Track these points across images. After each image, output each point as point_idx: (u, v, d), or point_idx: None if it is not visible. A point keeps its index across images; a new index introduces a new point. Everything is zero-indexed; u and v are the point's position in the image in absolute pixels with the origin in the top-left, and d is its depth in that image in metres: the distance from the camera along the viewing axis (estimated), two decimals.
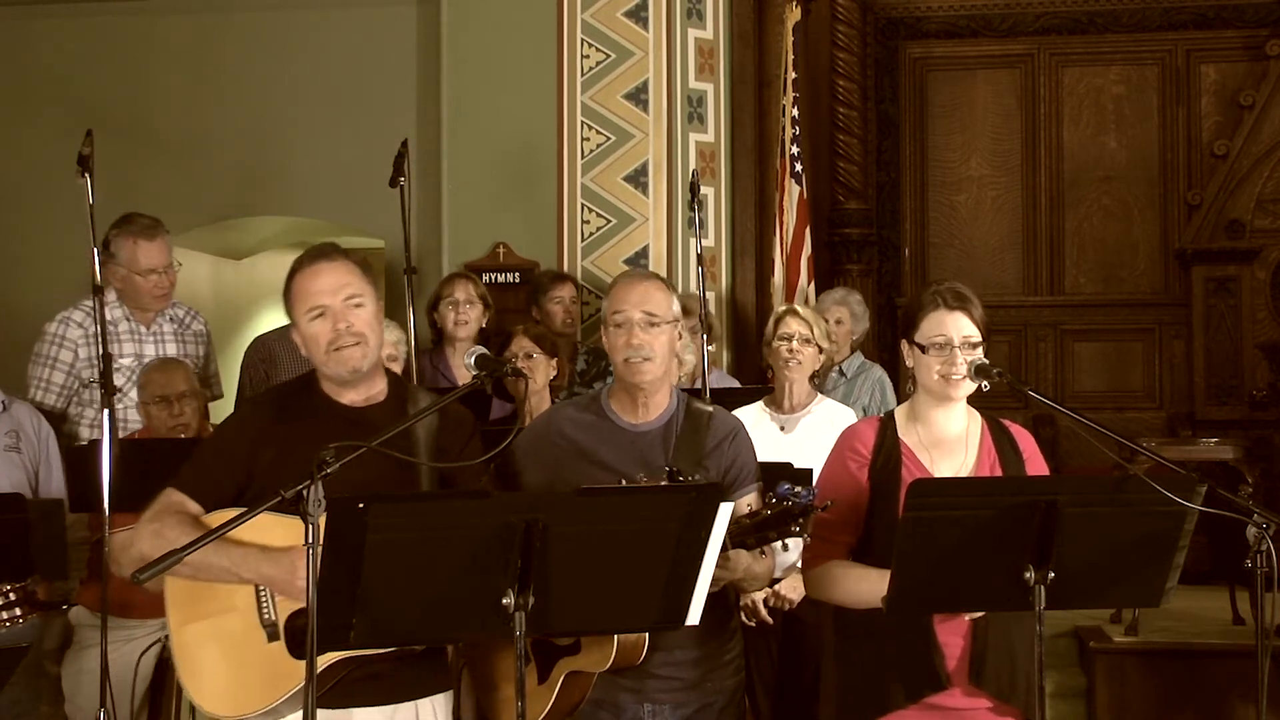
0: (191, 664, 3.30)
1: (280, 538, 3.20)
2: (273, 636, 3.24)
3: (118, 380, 5.38)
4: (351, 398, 3.43)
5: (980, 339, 3.54)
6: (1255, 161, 9.39)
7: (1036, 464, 3.64)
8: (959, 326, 3.53)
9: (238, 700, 3.24)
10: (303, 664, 3.15)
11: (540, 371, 5.37)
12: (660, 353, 3.67)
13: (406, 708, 3.38)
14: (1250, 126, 9.40)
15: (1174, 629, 6.70)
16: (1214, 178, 9.46)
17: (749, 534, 3.35)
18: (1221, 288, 9.38)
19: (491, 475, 3.78)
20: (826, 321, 5.72)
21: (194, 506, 3.32)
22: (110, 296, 5.54)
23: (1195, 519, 3.13)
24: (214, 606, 3.28)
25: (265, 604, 3.27)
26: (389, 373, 3.53)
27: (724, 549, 3.30)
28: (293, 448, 3.27)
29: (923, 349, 3.55)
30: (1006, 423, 3.70)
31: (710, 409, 3.81)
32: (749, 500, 3.65)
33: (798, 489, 3.31)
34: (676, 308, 3.76)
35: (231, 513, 3.12)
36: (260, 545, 3.21)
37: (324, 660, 3.17)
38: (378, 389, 3.46)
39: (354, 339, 3.35)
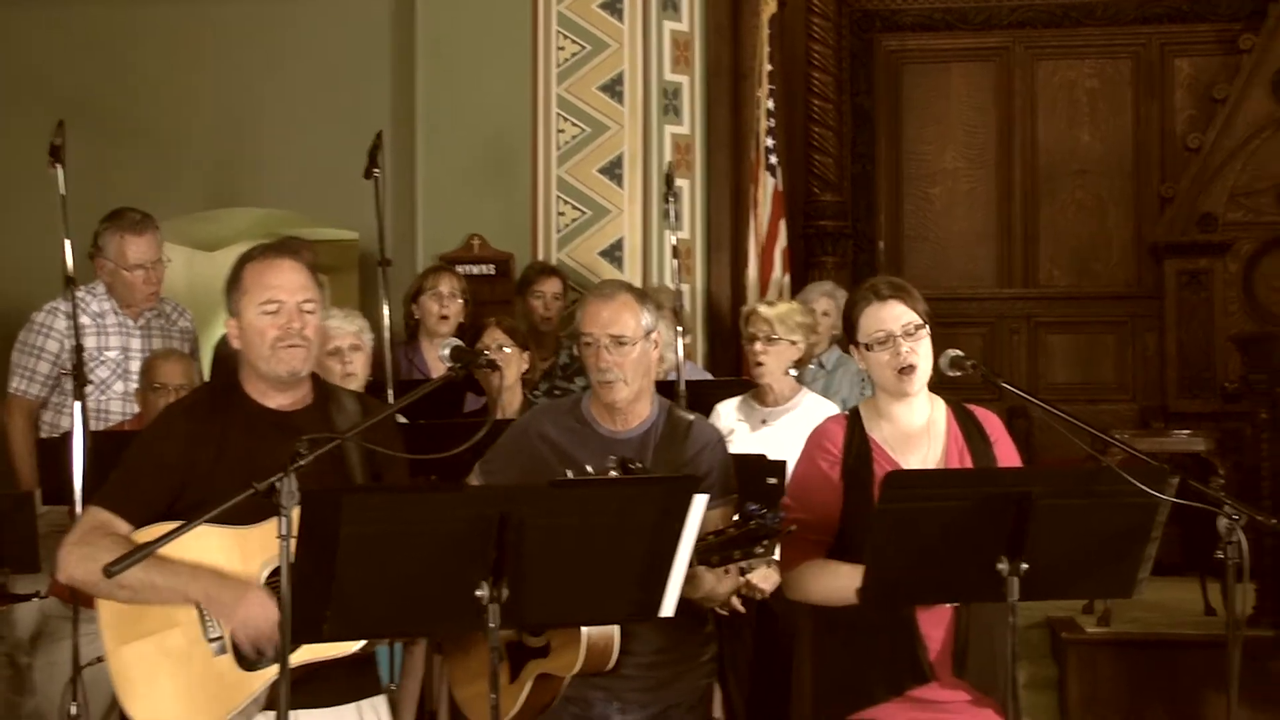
0: (133, 685, 3.19)
1: (218, 549, 3.16)
2: (221, 650, 3.17)
3: (102, 373, 5.42)
4: (279, 401, 3.35)
5: (921, 323, 3.54)
6: (1228, 155, 9.41)
7: (1004, 446, 3.64)
8: (896, 315, 3.53)
9: (186, 718, 3.17)
10: (251, 675, 3.15)
11: (512, 365, 5.36)
12: (631, 372, 3.67)
13: (349, 710, 3.33)
14: (1223, 120, 9.42)
15: (1146, 620, 6.73)
16: (1187, 171, 9.48)
17: (713, 552, 3.34)
18: (1194, 281, 9.41)
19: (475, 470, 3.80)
20: (813, 314, 5.74)
21: (122, 525, 3.22)
22: (99, 289, 5.57)
23: (1167, 510, 3.14)
24: (153, 624, 3.18)
25: (209, 619, 3.19)
26: (312, 375, 3.44)
27: (689, 564, 3.30)
28: (227, 454, 3.23)
29: (868, 347, 3.55)
30: (972, 408, 3.70)
31: (691, 418, 3.81)
32: (719, 514, 3.60)
33: (765, 510, 3.31)
34: (648, 320, 3.74)
35: (164, 527, 3.04)
36: (208, 565, 3.15)
37: (268, 675, 3.14)
38: (303, 392, 3.39)
39: (302, 341, 3.29)
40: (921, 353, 3.52)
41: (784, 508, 3.64)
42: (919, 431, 3.61)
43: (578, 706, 3.69)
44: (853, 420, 3.65)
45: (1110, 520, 3.15)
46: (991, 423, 3.67)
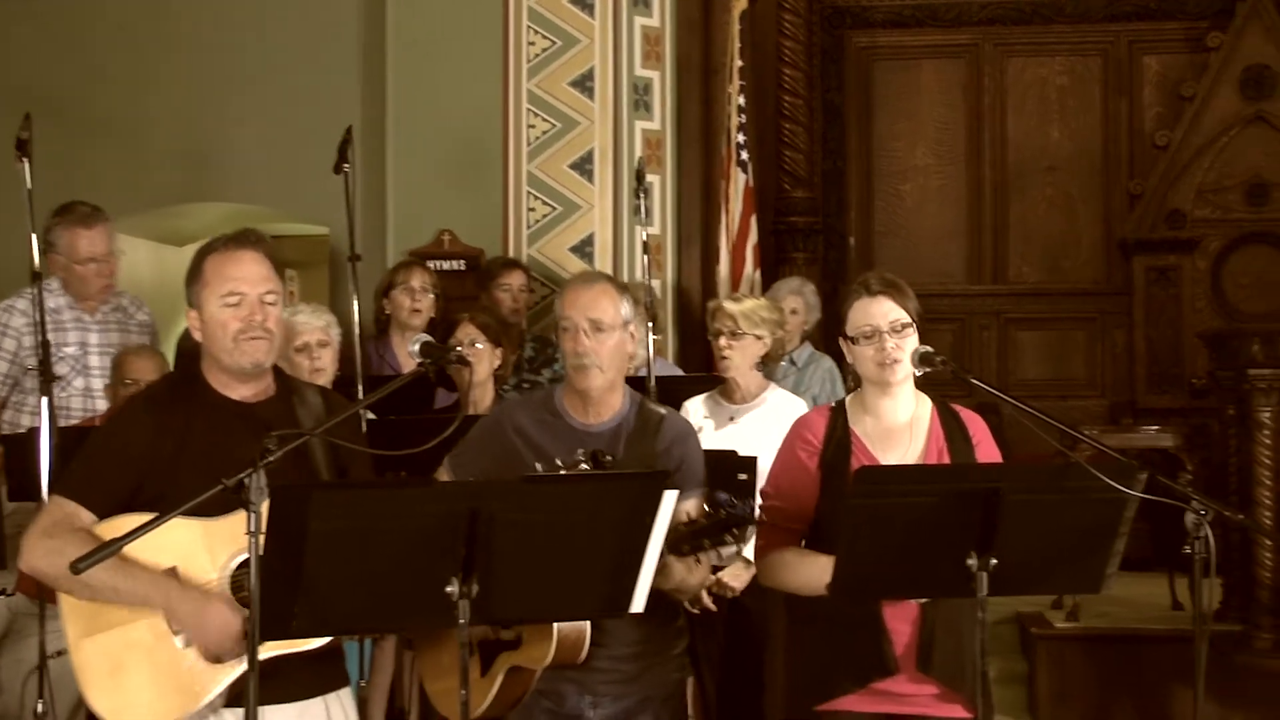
0: (97, 677, 3.16)
1: (184, 541, 3.13)
2: (188, 643, 3.15)
3: (61, 369, 5.37)
4: (242, 393, 3.33)
5: (909, 321, 3.56)
6: (1196, 152, 9.47)
7: (987, 449, 3.66)
8: (884, 311, 3.55)
9: (152, 711, 3.14)
10: (217, 668, 3.14)
11: (484, 361, 5.33)
12: (607, 359, 3.67)
13: (315, 704, 3.31)
14: (1191, 118, 9.48)
15: (1114, 615, 6.76)
16: (1155, 168, 9.54)
17: (684, 541, 3.34)
18: (1162, 277, 9.47)
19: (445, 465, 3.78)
20: (781, 310, 5.77)
21: (86, 516, 3.18)
22: (54, 285, 5.52)
23: (1136, 506, 3.15)
24: (117, 617, 3.15)
25: None
26: (274, 368, 3.43)
27: (659, 555, 3.29)
28: (190, 445, 3.21)
29: (854, 341, 3.57)
30: (957, 408, 3.72)
31: (663, 411, 3.81)
32: (691, 506, 3.62)
33: (735, 500, 3.31)
34: (627, 310, 3.74)
35: (136, 518, 3.02)
36: (171, 569, 3.13)
37: (234, 668, 3.13)
38: (265, 384, 3.37)
39: (264, 334, 3.27)
40: (907, 349, 3.54)
41: (763, 495, 3.67)
42: (902, 428, 3.63)
43: (551, 700, 3.69)
44: (836, 412, 3.68)
45: (1079, 516, 3.16)
46: (976, 424, 3.69)
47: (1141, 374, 9.46)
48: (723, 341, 5.25)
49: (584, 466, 3.46)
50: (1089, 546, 3.21)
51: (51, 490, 3.29)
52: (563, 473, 3.46)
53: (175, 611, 3.13)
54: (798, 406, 5.26)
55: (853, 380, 3.69)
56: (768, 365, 5.37)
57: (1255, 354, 6.15)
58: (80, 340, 5.50)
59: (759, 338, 5.27)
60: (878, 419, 3.63)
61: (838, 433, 3.62)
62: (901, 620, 3.50)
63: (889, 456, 3.59)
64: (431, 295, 6.16)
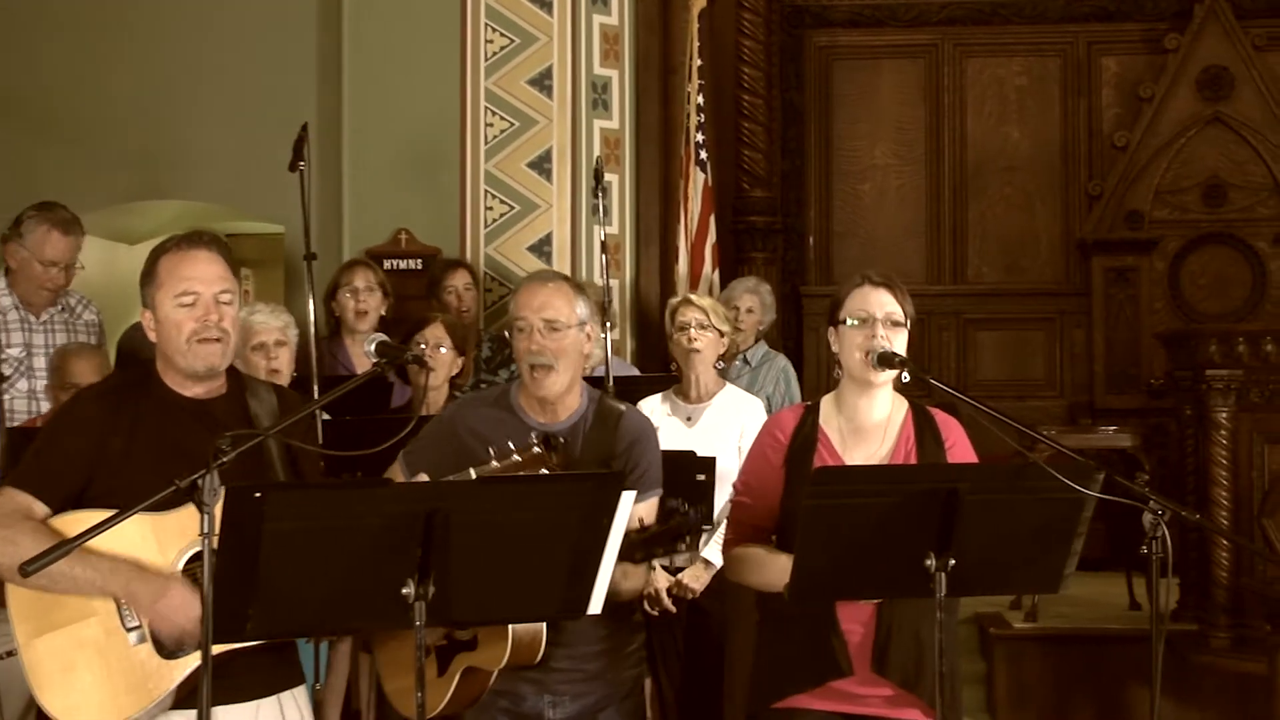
0: (49, 677, 3.12)
1: (134, 535, 3.09)
2: (140, 640, 3.12)
3: (4, 370, 5.30)
4: (195, 391, 3.30)
5: (902, 320, 3.55)
6: (1154, 153, 9.53)
7: (961, 452, 3.64)
8: (882, 303, 3.55)
9: (105, 710, 3.10)
10: (172, 664, 3.11)
11: (444, 366, 5.28)
12: (563, 359, 3.65)
13: (269, 703, 3.29)
14: (1149, 118, 9.54)
15: (1072, 615, 6.79)
16: (1114, 169, 9.59)
17: (636, 549, 3.33)
18: (1121, 278, 9.52)
19: (400, 462, 3.76)
20: (737, 309, 5.76)
21: (40, 508, 3.15)
22: (0, 284, 5.46)
23: (1093, 506, 3.15)
24: (68, 615, 3.12)
25: (128, 608, 3.14)
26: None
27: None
28: (141, 440, 3.19)
29: (845, 324, 3.55)
30: (934, 411, 3.71)
31: (622, 408, 3.80)
32: (648, 507, 3.61)
33: (686, 507, 3.30)
34: (583, 310, 3.72)
35: (90, 514, 3.01)
36: (127, 557, 3.09)
37: (188, 664, 3.11)
38: (219, 382, 3.34)
39: (219, 334, 3.24)
40: (895, 345, 3.53)
41: (734, 490, 3.69)
42: (873, 427, 3.62)
43: (509, 700, 3.67)
44: (809, 411, 3.67)
45: (1037, 516, 3.16)
46: (950, 427, 3.68)
47: (1100, 374, 9.51)
48: (693, 333, 5.25)
49: (536, 450, 3.44)
50: (1047, 546, 3.21)
51: (3, 483, 3.24)
52: (515, 458, 3.43)
53: (134, 596, 3.10)
54: (754, 405, 5.27)
55: (838, 371, 3.66)
56: (723, 364, 5.37)
57: (1212, 354, 6.19)
58: (24, 342, 5.44)
59: (722, 334, 5.30)
60: (851, 418, 3.61)
61: (805, 430, 3.61)
62: (853, 620, 3.49)
63: (855, 456, 3.58)
64: (379, 294, 6.08)
